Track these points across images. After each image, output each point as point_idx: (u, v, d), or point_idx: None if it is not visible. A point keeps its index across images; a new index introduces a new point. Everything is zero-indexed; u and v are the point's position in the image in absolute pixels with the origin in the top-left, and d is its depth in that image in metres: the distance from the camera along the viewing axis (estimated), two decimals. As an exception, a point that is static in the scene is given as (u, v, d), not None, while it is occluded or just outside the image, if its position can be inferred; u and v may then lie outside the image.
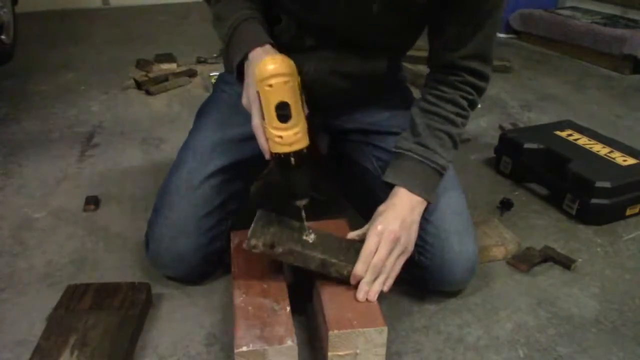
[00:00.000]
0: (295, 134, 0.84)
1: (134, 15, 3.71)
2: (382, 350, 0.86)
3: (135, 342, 0.94)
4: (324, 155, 1.33)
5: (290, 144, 0.84)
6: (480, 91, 1.02)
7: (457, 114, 1.00)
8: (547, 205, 1.42)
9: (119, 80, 2.36)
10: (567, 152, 1.45)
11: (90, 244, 1.24)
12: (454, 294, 1.07)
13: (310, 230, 0.95)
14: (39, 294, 1.07)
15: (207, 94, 1.25)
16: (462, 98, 1.00)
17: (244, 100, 0.91)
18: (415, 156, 0.98)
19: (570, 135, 1.56)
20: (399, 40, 1.06)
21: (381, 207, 0.96)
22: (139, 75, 2.35)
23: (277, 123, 0.83)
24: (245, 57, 0.91)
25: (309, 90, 0.99)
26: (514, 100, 2.22)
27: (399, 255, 0.93)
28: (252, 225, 0.92)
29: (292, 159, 0.85)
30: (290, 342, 0.81)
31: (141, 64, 2.49)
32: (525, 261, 1.17)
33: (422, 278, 1.03)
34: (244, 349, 0.80)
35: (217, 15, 0.98)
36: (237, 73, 0.94)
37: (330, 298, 0.90)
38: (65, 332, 0.90)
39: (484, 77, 1.01)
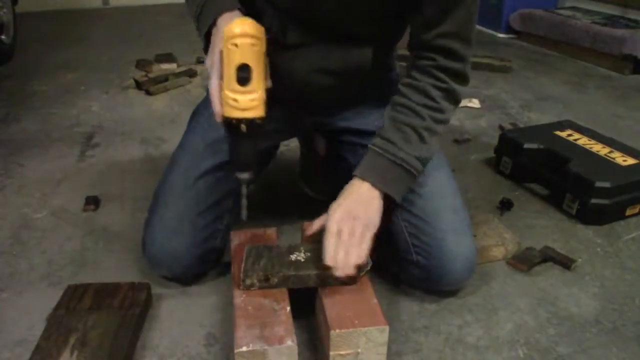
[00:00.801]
0: (252, 100, 0.82)
1: (134, 15, 3.71)
2: (384, 349, 0.86)
3: (135, 342, 0.94)
4: (323, 156, 1.33)
5: (243, 110, 0.82)
6: (457, 76, 0.97)
7: (425, 106, 0.96)
8: (547, 205, 1.42)
9: (119, 80, 2.36)
10: (567, 152, 1.45)
11: (90, 244, 1.24)
12: (453, 293, 1.07)
13: (301, 248, 0.97)
14: (39, 294, 1.07)
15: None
16: (434, 87, 0.96)
17: (208, 62, 0.89)
18: (375, 148, 0.96)
19: (570, 135, 1.56)
20: (379, 29, 1.02)
21: (341, 193, 0.95)
22: (139, 75, 2.35)
23: (235, 85, 0.81)
24: (213, 24, 0.89)
25: (297, 90, 1.00)
26: (514, 100, 2.22)
27: (363, 231, 0.91)
28: (243, 264, 0.94)
29: (243, 126, 0.83)
30: (290, 342, 0.81)
31: (141, 64, 2.49)
32: (525, 261, 1.17)
33: (421, 278, 1.03)
34: (244, 349, 0.80)
35: None
36: (205, 42, 0.93)
37: (331, 298, 0.90)
38: (65, 332, 0.90)
39: (461, 58, 0.95)
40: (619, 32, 2.61)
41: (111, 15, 3.72)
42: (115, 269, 1.14)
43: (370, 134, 1.11)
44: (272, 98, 0.90)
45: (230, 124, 0.84)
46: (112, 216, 1.34)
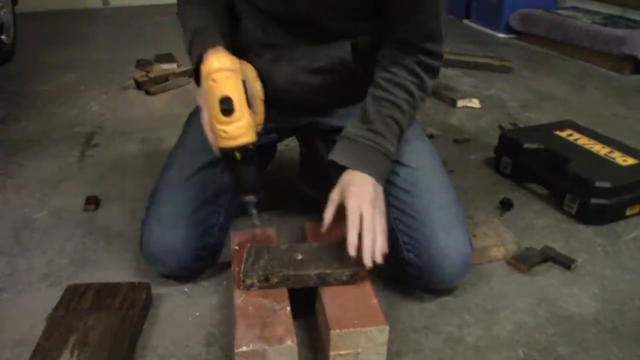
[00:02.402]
0: (239, 128, 0.86)
1: (134, 15, 3.71)
2: (384, 349, 0.86)
3: (135, 342, 0.94)
4: (322, 156, 1.32)
5: (234, 138, 0.87)
6: (433, 72, 1.01)
7: (406, 101, 1.00)
8: (547, 205, 1.42)
9: (119, 80, 2.36)
10: (567, 152, 1.44)
11: (90, 244, 1.24)
12: (453, 293, 1.07)
13: (301, 248, 0.98)
14: (39, 294, 1.07)
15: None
16: (412, 84, 0.99)
17: (200, 100, 0.93)
18: (369, 142, 0.98)
19: (570, 135, 1.56)
20: (357, 25, 1.02)
21: (343, 182, 0.95)
22: (139, 75, 2.35)
23: (220, 117, 0.86)
24: (200, 61, 0.93)
25: (286, 90, 1.03)
26: (514, 100, 2.22)
27: (381, 219, 0.93)
28: (243, 264, 0.94)
29: (237, 154, 0.88)
30: (290, 342, 0.81)
31: (141, 64, 2.49)
32: (525, 261, 1.17)
33: (415, 276, 1.03)
34: (244, 349, 0.80)
35: (183, 26, 1.03)
36: (195, 79, 0.96)
37: (331, 298, 0.90)
38: (65, 332, 0.90)
39: (438, 56, 1.00)
40: (619, 32, 2.61)
41: (111, 15, 3.72)
42: (115, 269, 1.15)
43: None
44: (266, 101, 0.98)
45: (226, 153, 0.89)
46: (112, 216, 1.34)
